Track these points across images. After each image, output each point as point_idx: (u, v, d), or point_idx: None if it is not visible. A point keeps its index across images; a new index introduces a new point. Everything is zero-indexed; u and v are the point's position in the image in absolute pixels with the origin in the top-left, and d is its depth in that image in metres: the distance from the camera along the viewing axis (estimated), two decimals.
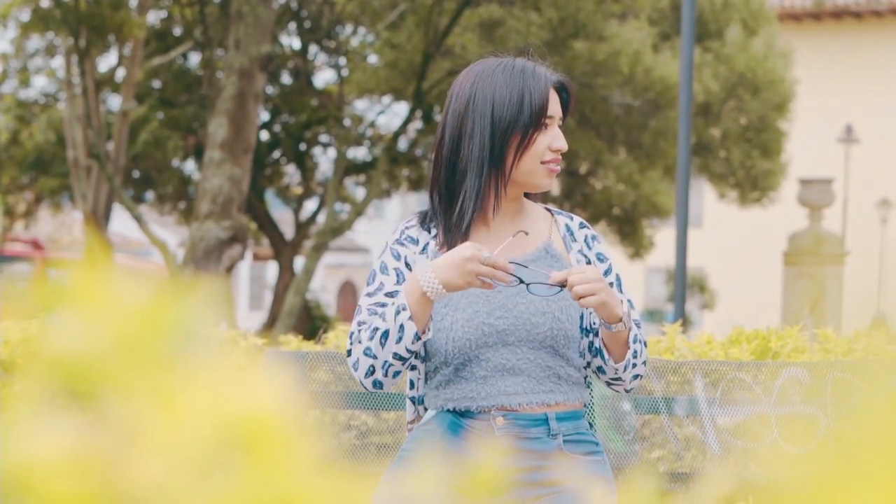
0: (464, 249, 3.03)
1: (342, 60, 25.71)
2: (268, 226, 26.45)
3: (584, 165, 25.60)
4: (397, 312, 3.08)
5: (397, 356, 3.11)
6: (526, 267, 3.13)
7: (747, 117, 24.50)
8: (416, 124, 24.58)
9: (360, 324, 3.18)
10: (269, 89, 25.59)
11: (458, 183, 3.21)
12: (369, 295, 3.22)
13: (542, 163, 3.21)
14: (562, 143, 3.22)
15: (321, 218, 25.19)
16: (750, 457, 5.12)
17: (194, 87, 25.30)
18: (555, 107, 3.24)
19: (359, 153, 26.97)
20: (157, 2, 23.84)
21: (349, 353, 3.18)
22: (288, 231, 28.11)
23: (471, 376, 3.18)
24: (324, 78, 38.92)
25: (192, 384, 0.77)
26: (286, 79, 26.81)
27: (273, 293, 26.23)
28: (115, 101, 25.19)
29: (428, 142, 24.37)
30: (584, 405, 3.27)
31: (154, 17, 24.64)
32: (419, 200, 41.45)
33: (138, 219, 18.64)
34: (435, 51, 20.62)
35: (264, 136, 26.28)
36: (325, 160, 28.79)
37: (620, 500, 0.99)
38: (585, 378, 3.28)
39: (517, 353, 3.17)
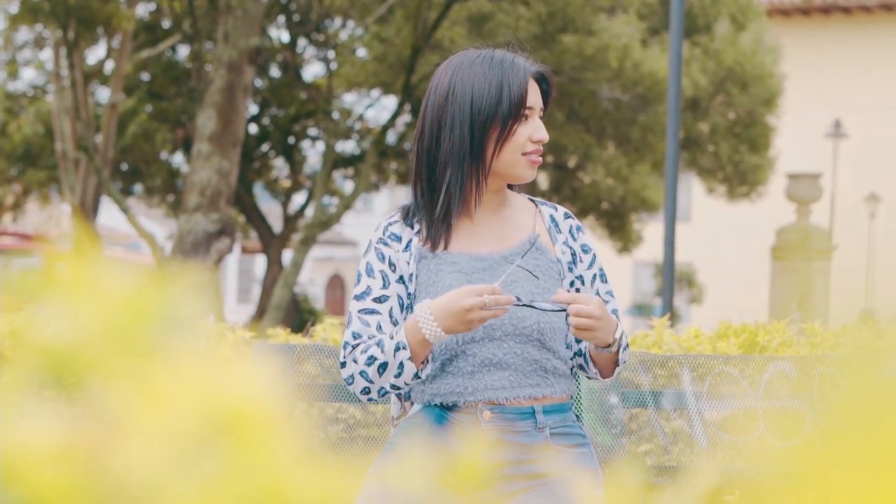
0: (464, 299, 3.01)
1: (331, 54, 25.68)
2: (256, 219, 26.42)
3: (573, 160, 25.60)
4: (397, 349, 3.08)
5: (394, 386, 3.13)
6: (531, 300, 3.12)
7: (736, 112, 24.53)
8: (405, 118, 24.55)
9: (354, 336, 3.17)
10: (258, 82, 25.57)
11: (438, 176, 3.19)
12: (357, 299, 3.21)
13: (524, 154, 3.19)
14: (542, 134, 3.20)
15: (309, 211, 25.16)
16: (737, 450, 5.13)
17: (183, 80, 25.26)
18: (535, 97, 3.21)
19: (347, 146, 26.95)
20: None
21: (343, 364, 3.17)
22: (276, 224, 28.08)
23: (458, 371, 3.17)
24: (312, 71, 38.83)
25: (177, 373, 0.77)
26: (275, 72, 26.77)
27: (261, 286, 26.21)
28: (103, 94, 25.15)
29: None
30: (571, 397, 3.27)
31: (143, 10, 24.59)
32: (408, 194, 41.33)
33: (126, 211, 18.62)
34: (424, 44, 20.60)
35: (253, 129, 26.25)
36: (313, 153, 28.77)
37: (607, 493, 0.99)
38: (572, 369, 3.28)
39: (504, 348, 3.16)
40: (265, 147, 27.34)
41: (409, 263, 3.20)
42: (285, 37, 26.45)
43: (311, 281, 47.42)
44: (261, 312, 23.62)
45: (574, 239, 3.31)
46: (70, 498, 0.76)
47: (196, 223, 17.11)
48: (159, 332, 0.78)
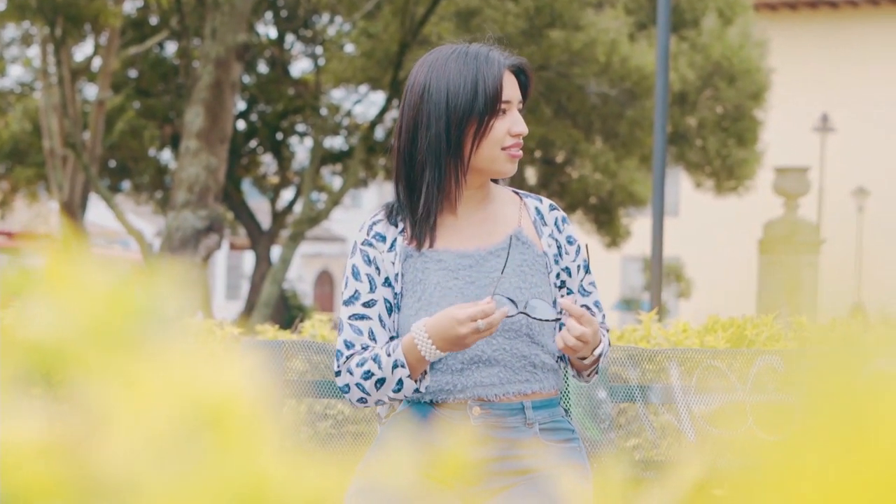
0: (459, 327, 3.00)
1: (319, 50, 25.68)
2: (244, 215, 26.41)
3: (561, 154, 25.62)
4: (395, 366, 3.08)
5: (392, 399, 3.14)
6: (525, 308, 3.13)
7: (723, 106, 24.57)
8: (393, 114, 24.53)
9: (347, 345, 3.17)
10: (246, 79, 25.55)
11: (418, 175, 3.17)
12: (346, 304, 3.21)
13: (503, 149, 3.15)
14: (521, 128, 3.17)
15: (298, 207, 25.17)
16: (725, 444, 5.14)
17: (170, 77, 25.24)
18: (511, 91, 3.18)
19: (335, 142, 26.95)
20: None
21: (338, 373, 3.16)
22: (265, 220, 28.07)
23: (447, 368, 3.16)
24: (300, 67, 38.78)
25: (163, 370, 0.77)
26: (263, 68, 26.76)
27: (250, 283, 26.20)
28: (91, 91, 25.12)
29: None
30: (560, 392, 3.27)
31: (130, 6, 24.56)
32: None
33: (114, 208, 18.60)
34: (411, 40, 20.60)
35: (241, 125, 26.24)
36: (301, 149, 28.78)
37: (595, 487, 1.00)
38: (558, 361, 3.29)
39: (493, 344, 3.15)
40: (253, 143, 27.33)
41: (394, 263, 3.18)
42: (273, 33, 26.44)
43: (300, 277, 47.41)
44: (249, 309, 23.62)
45: (559, 231, 3.29)
46: (56, 493, 0.76)
47: (184, 220, 17.10)
48: (145, 329, 0.78)
